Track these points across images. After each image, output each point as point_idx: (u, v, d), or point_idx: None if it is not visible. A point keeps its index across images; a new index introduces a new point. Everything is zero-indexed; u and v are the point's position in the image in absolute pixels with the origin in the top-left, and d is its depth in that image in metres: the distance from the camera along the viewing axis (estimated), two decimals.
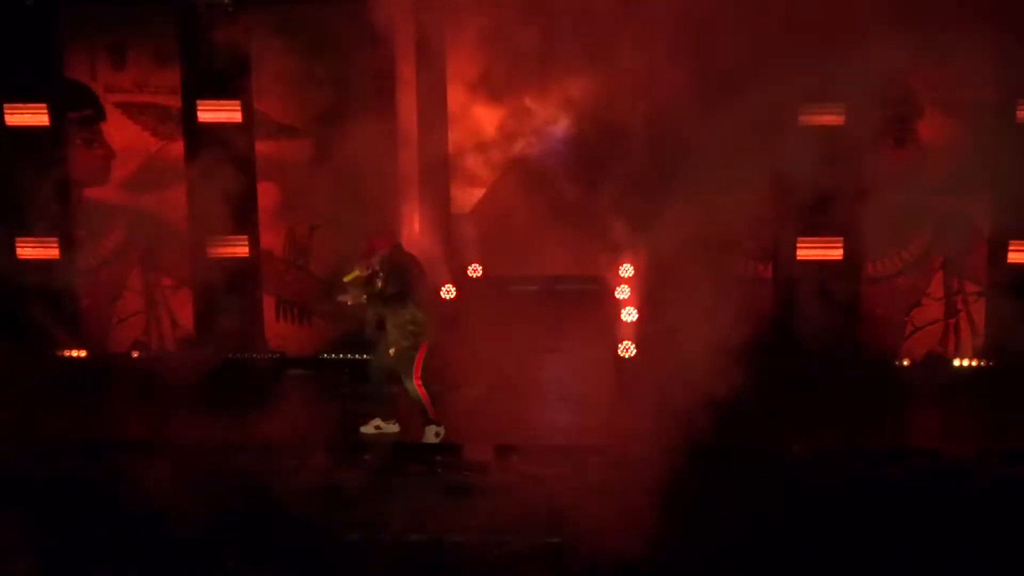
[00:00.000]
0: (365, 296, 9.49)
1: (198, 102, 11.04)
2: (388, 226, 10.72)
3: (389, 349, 9.53)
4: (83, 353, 11.49)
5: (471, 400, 10.76)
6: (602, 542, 7.54)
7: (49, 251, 11.34)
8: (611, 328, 11.89)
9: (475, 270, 14.52)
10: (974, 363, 10.86)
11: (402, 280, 9.42)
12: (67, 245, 11.35)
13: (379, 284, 9.46)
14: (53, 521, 8.09)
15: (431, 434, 9.58)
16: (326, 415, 10.41)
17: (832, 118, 10.50)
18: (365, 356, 10.48)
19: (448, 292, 13.29)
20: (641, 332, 11.48)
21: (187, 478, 8.59)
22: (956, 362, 10.91)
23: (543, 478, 8.79)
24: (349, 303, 9.57)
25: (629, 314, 12.23)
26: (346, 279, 9.45)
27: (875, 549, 7.70)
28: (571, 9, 10.78)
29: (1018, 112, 10.47)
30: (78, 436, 9.67)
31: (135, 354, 11.49)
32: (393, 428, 9.82)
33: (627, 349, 11.13)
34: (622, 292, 13.32)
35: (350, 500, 8.46)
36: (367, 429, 9.82)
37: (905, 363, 10.94)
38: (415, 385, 9.53)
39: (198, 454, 9.03)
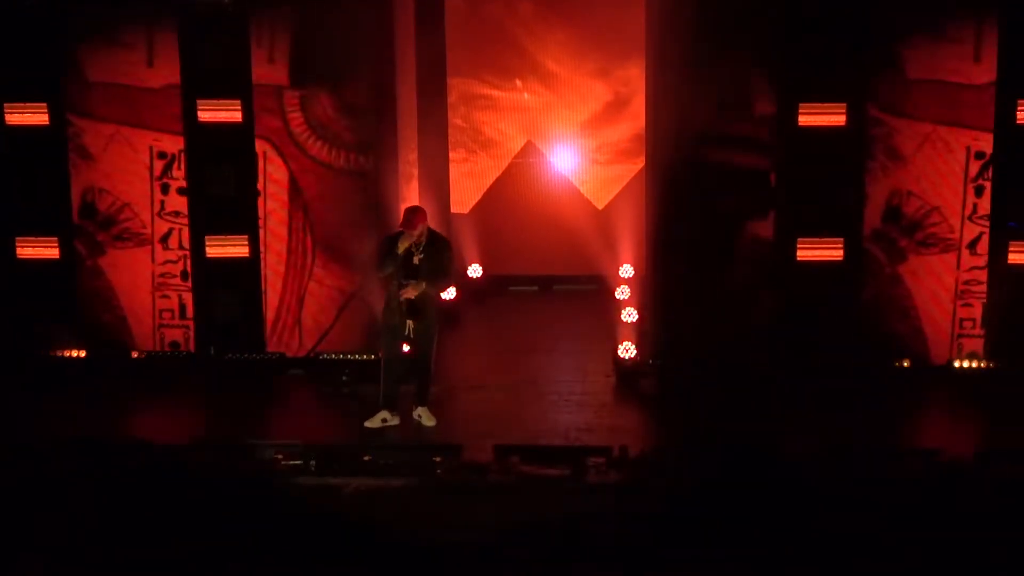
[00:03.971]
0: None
1: (198, 101, 11.02)
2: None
3: (407, 332, 9.54)
4: (82, 353, 11.47)
5: (471, 400, 10.75)
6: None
7: (49, 251, 11.34)
8: (611, 328, 11.91)
9: (475, 270, 14.52)
10: (974, 364, 10.84)
11: (442, 256, 9.51)
12: (67, 245, 11.33)
13: (419, 259, 9.45)
14: (54, 522, 8.08)
15: (428, 414, 9.75)
16: (327, 415, 10.45)
17: (833, 118, 10.50)
18: (372, 356, 10.45)
19: (448, 292, 13.28)
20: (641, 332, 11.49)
21: (187, 479, 8.60)
22: (956, 363, 10.88)
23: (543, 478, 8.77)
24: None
25: (629, 314, 12.24)
26: (401, 251, 9.39)
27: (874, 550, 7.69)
28: None
29: (1018, 112, 10.46)
30: (75, 436, 9.63)
31: (134, 354, 11.48)
32: (395, 421, 9.82)
33: (627, 349, 11.12)
34: (622, 292, 13.34)
35: (350, 500, 8.46)
36: (373, 423, 9.75)
37: (905, 364, 10.92)
38: (432, 361, 9.73)
39: (197, 455, 9.04)
